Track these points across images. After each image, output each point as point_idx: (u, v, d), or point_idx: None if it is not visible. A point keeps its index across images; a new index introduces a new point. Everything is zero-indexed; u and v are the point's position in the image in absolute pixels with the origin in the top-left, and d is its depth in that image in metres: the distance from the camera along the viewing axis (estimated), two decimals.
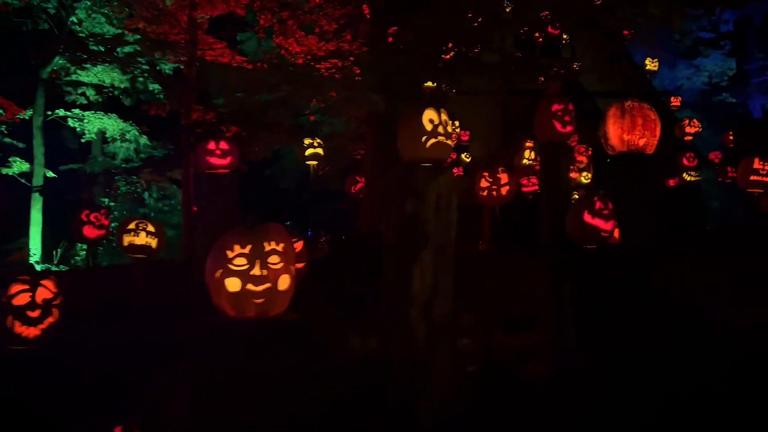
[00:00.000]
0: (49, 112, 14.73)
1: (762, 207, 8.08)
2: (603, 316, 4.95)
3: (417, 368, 4.05)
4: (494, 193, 6.19)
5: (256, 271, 3.31)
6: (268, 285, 3.34)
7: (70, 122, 14.79)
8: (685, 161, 11.33)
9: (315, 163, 7.09)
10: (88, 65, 12.91)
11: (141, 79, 12.41)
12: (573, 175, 10.67)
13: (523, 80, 11.39)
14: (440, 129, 3.99)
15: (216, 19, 12.14)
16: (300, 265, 4.55)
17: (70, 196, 13.84)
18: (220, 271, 3.31)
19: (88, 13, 14.74)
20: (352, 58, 8.02)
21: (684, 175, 11.32)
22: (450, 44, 9.86)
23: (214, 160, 5.58)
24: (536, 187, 9.95)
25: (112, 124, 14.87)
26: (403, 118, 4.01)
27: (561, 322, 4.95)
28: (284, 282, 3.45)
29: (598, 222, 4.88)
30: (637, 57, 16.63)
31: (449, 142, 4.04)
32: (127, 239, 5.60)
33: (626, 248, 5.77)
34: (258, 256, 3.32)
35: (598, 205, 4.89)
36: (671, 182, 11.69)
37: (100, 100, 14.87)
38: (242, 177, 6.26)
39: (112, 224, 7.70)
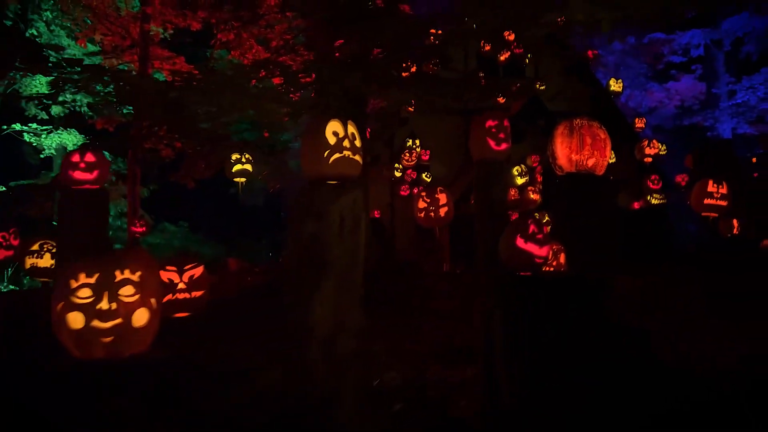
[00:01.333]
0: (5, 127, 14.21)
1: (721, 232, 7.74)
2: (540, 351, 4.50)
3: (319, 411, 3.56)
4: (432, 214, 5.75)
5: (103, 304, 2.82)
6: (118, 321, 2.85)
7: (26, 137, 14.26)
8: (650, 184, 11.02)
9: (243, 180, 6.62)
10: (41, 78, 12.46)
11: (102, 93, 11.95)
12: (534, 196, 10.33)
13: (484, 99, 11.16)
14: (346, 143, 3.55)
15: (178, 32, 11.80)
16: (198, 293, 4.06)
17: (20, 211, 13.20)
18: (61, 303, 2.82)
19: (49, 26, 14.33)
20: (301, 75, 7.60)
21: (649, 197, 11.00)
22: (407, 59, 9.53)
23: (79, 175, 4.75)
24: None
25: (71, 140, 14.36)
26: (304, 131, 3.57)
27: (489, 355, 4.48)
28: (141, 317, 2.96)
29: (532, 247, 4.46)
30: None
31: (357, 157, 3.60)
32: (29, 261, 5.07)
33: (573, 276, 5.34)
34: (106, 286, 2.84)
35: (531, 229, 4.47)
36: (636, 205, 11.40)
37: (61, 114, 14.36)
38: (200, 195, 5.72)
39: None
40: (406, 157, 11.07)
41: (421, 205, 5.74)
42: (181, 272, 4.02)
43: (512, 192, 10.12)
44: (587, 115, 6.38)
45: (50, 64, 10.12)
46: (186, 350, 3.22)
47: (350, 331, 3.63)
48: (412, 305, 6.70)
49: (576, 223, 6.04)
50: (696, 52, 21.38)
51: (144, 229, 8.84)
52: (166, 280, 3.97)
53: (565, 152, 6.09)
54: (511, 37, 11.48)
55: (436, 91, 8.89)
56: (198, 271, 4.10)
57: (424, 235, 11.17)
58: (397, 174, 11.14)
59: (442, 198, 5.69)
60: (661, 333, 5.66)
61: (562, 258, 5.63)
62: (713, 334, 5.73)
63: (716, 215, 6.62)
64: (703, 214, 6.56)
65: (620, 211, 10.53)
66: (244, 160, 6.48)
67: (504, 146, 4.80)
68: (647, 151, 10.39)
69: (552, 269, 5.56)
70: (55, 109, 13.70)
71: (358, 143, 3.68)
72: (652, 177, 11.05)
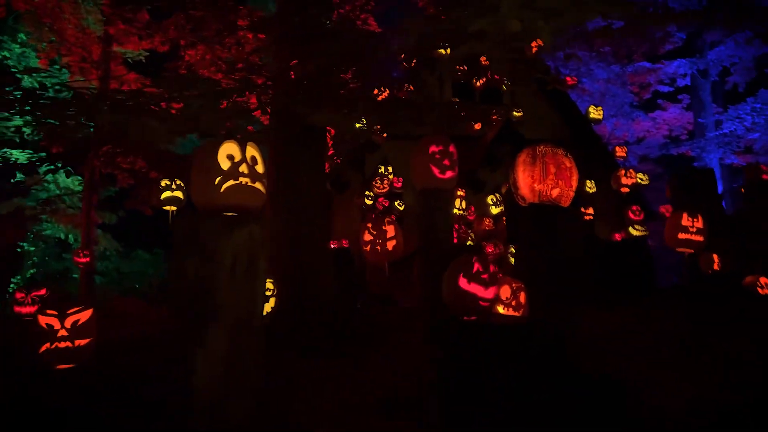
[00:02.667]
0: None
1: (701, 267, 7.18)
2: (484, 405, 3.91)
3: None
4: (378, 247, 5.16)
5: None
6: None
7: None
8: (630, 214, 10.53)
9: (173, 208, 6.05)
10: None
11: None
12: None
13: (460, 126, 10.72)
14: (243, 168, 3.01)
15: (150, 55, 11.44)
16: (83, 342, 3.46)
17: None
18: None
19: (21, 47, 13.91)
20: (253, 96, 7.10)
21: (630, 229, 10.46)
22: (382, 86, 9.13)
23: None
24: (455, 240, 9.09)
25: (23, 156, 13.77)
26: (194, 155, 3.01)
27: (427, 406, 3.89)
28: None
29: (476, 288, 3.90)
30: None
31: (258, 185, 3.05)
32: None
33: (526, 322, 4.78)
34: None
35: (476, 267, 3.92)
36: (617, 236, 10.87)
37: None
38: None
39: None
40: (377, 184, 10.60)
41: (367, 237, 5.17)
42: (62, 317, 3.43)
43: (486, 222, 9.58)
44: (552, 142, 5.89)
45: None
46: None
47: (246, 391, 3.02)
48: (372, 343, 6.13)
49: (540, 258, 5.51)
50: (682, 81, 21.14)
51: (88, 259, 8.23)
52: (44, 326, 3.37)
53: (527, 181, 5.59)
54: (486, 63, 11.08)
55: (392, 115, 8.45)
56: (84, 315, 3.51)
57: (399, 265, 10.71)
58: (368, 201, 10.62)
59: (390, 230, 5.12)
60: (631, 381, 5.05)
61: (522, 297, 5.04)
62: (690, 379, 5.13)
63: (692, 251, 6.07)
64: (678, 249, 6.01)
65: (597, 242, 10.02)
66: (174, 186, 5.94)
67: (449, 174, 4.28)
68: (624, 180, 9.92)
69: (511, 310, 4.97)
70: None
71: (260, 168, 3.12)
72: (633, 207, 10.56)
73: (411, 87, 10.30)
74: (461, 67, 10.92)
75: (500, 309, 4.90)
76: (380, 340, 6.08)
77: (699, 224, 5.95)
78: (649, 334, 6.10)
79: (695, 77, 20.17)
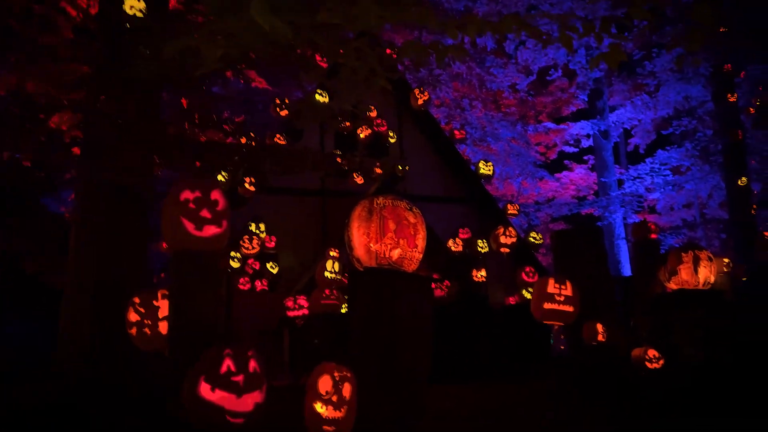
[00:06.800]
0: None
1: (585, 338, 6.32)
2: None
3: None
4: (147, 330, 3.91)
5: None
6: None
7: None
8: (524, 276, 9.70)
9: None
10: None
11: None
12: None
13: (339, 180, 9.92)
14: None
15: None
16: None
17: None
18: None
19: None
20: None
21: (524, 291, 9.65)
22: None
23: None
24: (304, 310, 8.00)
25: None
26: None
27: None
28: None
29: (223, 398, 2.70)
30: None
31: None
32: None
33: None
34: None
35: (225, 366, 2.74)
36: (511, 300, 10.07)
37: None
38: None
39: None
40: (246, 244, 9.41)
41: (132, 317, 3.92)
42: None
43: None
44: (394, 194, 4.93)
45: None
46: None
47: None
48: None
49: (377, 334, 4.40)
50: (587, 142, 21.41)
51: None
52: None
53: (362, 240, 4.57)
54: (373, 114, 10.37)
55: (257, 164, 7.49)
56: None
57: (269, 337, 9.51)
58: (235, 264, 9.38)
59: (164, 307, 3.89)
60: None
61: (347, 391, 3.91)
62: None
63: (560, 323, 5.19)
64: (545, 322, 5.12)
65: (488, 307, 9.18)
66: None
67: (212, 231, 3.15)
68: (502, 239, 9.16)
69: (331, 408, 3.82)
70: None
71: None
72: (527, 269, 9.82)
73: (280, 136, 9.36)
74: (343, 120, 10.16)
75: (318, 407, 3.78)
76: None
77: (567, 291, 5.11)
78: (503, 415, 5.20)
79: (597, 138, 20.38)
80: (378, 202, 4.64)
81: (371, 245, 4.49)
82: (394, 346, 4.31)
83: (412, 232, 4.59)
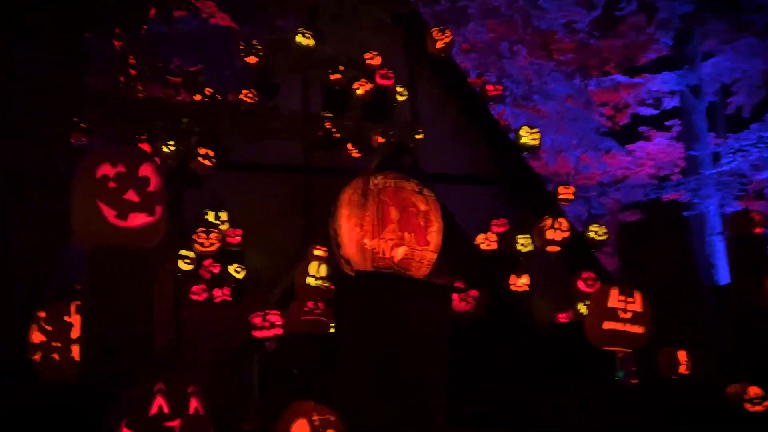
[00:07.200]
0: None
1: (662, 369, 6.42)
2: None
3: None
4: (56, 355, 3.90)
5: None
6: None
7: None
8: (581, 285, 9.71)
9: None
10: None
11: None
12: None
13: (329, 153, 10.22)
14: None
15: None
16: None
17: None
18: None
19: None
20: None
21: (581, 306, 9.65)
22: None
23: None
24: (277, 329, 8.11)
25: None
26: None
27: None
28: None
29: None
30: None
31: None
32: None
33: None
34: None
35: (156, 406, 2.70)
36: (562, 317, 10.07)
37: None
38: None
39: None
40: (201, 239, 9.46)
41: (36, 338, 3.90)
42: None
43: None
44: (396, 172, 4.93)
45: None
46: None
47: None
48: None
49: (374, 339, 4.48)
50: (670, 102, 21.15)
51: None
52: None
53: (353, 234, 4.67)
54: (375, 62, 10.37)
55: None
56: None
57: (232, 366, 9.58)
58: (186, 266, 9.45)
59: (79, 325, 3.87)
60: None
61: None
62: None
63: (626, 350, 5.22)
64: (604, 347, 5.15)
65: (531, 327, 9.21)
66: None
67: (141, 220, 3.11)
68: (550, 234, 9.13)
69: None
70: None
71: None
72: (585, 275, 9.79)
73: (248, 92, 9.37)
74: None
75: None
76: None
77: (636, 306, 5.07)
78: None
79: (685, 96, 20.15)
80: (375, 182, 4.69)
81: (365, 241, 4.54)
82: (395, 351, 4.42)
83: (423, 224, 4.63)
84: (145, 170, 3.16)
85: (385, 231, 4.50)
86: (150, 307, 3.35)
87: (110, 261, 3.12)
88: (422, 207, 4.65)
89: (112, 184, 3.06)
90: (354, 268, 4.59)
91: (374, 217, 4.51)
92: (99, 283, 3.12)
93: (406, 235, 4.53)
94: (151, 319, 3.34)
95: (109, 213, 3.06)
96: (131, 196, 3.09)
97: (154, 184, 3.18)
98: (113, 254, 3.13)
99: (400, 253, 4.51)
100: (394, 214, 4.52)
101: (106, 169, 3.07)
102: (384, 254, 4.49)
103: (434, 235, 4.67)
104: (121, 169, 3.07)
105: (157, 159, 7.62)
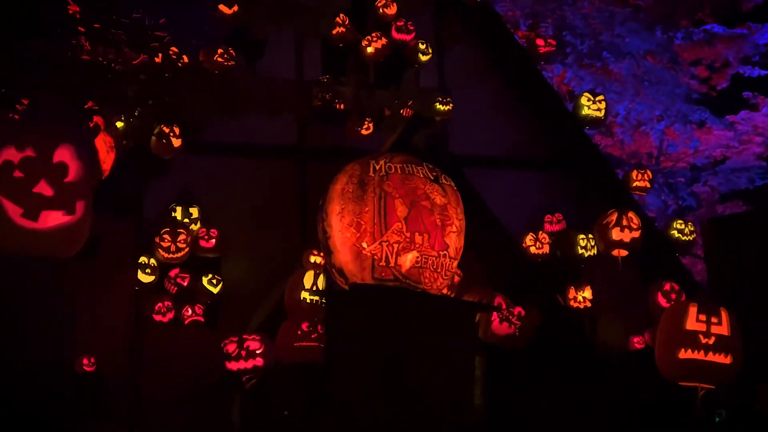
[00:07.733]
0: None
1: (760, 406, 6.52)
2: None
3: None
4: None
5: None
6: None
7: None
8: (660, 299, 9.74)
9: None
10: None
11: None
12: None
13: (329, 130, 10.44)
14: None
15: None
16: None
17: None
18: None
19: None
20: None
21: None
22: None
23: None
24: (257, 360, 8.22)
25: None
26: None
27: None
28: None
29: None
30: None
31: None
32: None
33: None
34: None
35: None
36: (637, 342, 10.10)
37: None
38: None
39: None
40: (166, 243, 9.61)
41: None
42: None
43: None
44: (407, 154, 5.01)
45: None
46: None
47: None
48: None
49: (375, 349, 4.69)
50: None
51: None
52: None
53: (348, 236, 4.77)
54: (390, 11, 10.44)
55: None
56: None
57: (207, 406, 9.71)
58: (146, 278, 9.64)
59: None
60: None
61: None
62: None
63: (709, 386, 5.25)
64: (680, 383, 5.21)
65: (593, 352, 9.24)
66: None
67: (56, 219, 3.11)
68: (616, 234, 9.10)
69: None
70: None
71: None
72: (666, 286, 9.79)
73: (224, 51, 9.47)
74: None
75: None
76: None
77: (722, 328, 5.09)
78: None
79: None
80: (377, 167, 4.74)
81: (363, 245, 4.64)
82: (399, 359, 4.56)
83: (439, 222, 4.73)
84: (62, 154, 3.14)
85: (389, 232, 4.57)
86: (70, 330, 3.36)
87: (14, 272, 3.13)
88: (439, 200, 4.71)
89: (17, 173, 3.06)
90: (349, 281, 4.68)
91: (375, 213, 4.58)
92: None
93: (417, 236, 4.59)
94: (73, 347, 3.36)
95: (14, 211, 3.07)
96: (43, 188, 3.09)
97: (74, 173, 3.17)
98: (18, 264, 3.13)
99: (408, 260, 4.57)
100: (400, 209, 4.59)
101: (9, 154, 3.06)
102: (388, 261, 4.56)
103: (454, 237, 4.72)
104: (29, 153, 3.06)
105: (108, 138, 7.80)
